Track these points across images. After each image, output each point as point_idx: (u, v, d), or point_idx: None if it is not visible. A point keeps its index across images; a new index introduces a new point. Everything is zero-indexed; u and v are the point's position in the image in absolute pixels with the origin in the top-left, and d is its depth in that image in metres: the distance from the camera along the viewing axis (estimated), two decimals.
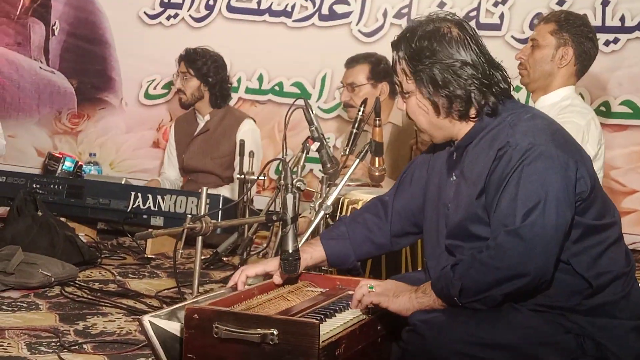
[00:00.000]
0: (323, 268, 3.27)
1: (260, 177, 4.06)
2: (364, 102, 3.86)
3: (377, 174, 3.77)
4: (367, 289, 2.55)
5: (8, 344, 3.08)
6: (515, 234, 2.34)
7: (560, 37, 3.76)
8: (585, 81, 4.74)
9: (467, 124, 2.59)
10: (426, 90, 2.55)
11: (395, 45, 2.62)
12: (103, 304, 3.71)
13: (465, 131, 2.60)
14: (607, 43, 5.19)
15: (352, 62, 5.04)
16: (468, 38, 2.55)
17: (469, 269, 2.39)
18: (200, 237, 3.34)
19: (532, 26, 5.27)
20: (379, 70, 4.95)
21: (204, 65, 5.49)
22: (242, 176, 4.50)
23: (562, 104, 3.74)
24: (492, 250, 2.37)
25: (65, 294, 3.83)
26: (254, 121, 5.59)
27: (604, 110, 5.17)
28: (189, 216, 3.18)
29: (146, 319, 2.39)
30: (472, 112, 2.56)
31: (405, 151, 4.80)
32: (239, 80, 6.19)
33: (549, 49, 3.77)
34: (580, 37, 3.76)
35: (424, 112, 2.59)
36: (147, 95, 6.52)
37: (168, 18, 6.49)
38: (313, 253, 2.91)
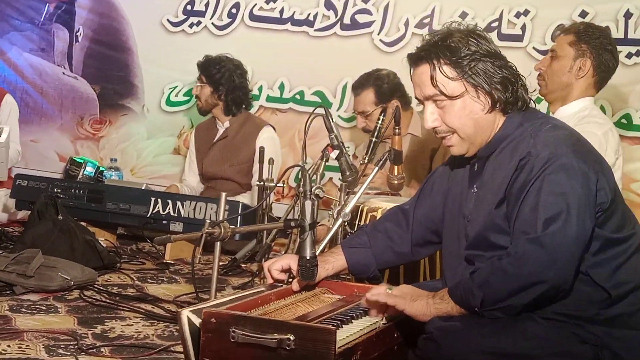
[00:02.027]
0: (342, 276, 3.27)
1: (279, 185, 4.06)
2: (384, 110, 3.86)
3: (396, 182, 3.77)
4: (386, 289, 2.55)
5: (27, 346, 3.09)
6: (537, 242, 2.34)
7: (578, 48, 3.75)
8: (607, 93, 4.72)
9: (502, 119, 2.60)
10: (483, 82, 2.54)
11: (428, 55, 2.58)
12: (121, 308, 3.73)
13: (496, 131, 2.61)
14: (629, 55, 5.16)
15: (357, 89, 5.01)
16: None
17: (489, 277, 2.39)
18: (218, 243, 3.35)
19: (554, 37, 5.26)
20: (384, 91, 4.90)
21: (217, 73, 5.52)
22: (262, 183, 4.51)
23: (580, 115, 3.73)
24: (512, 257, 2.37)
25: (84, 297, 3.85)
26: (274, 129, 5.60)
27: (625, 123, 5.14)
28: (208, 222, 3.19)
29: (185, 312, 2.40)
30: (520, 97, 2.58)
31: (424, 161, 4.81)
32: (260, 89, 6.21)
33: (566, 60, 3.77)
34: (599, 49, 3.75)
35: (477, 109, 2.57)
36: (169, 102, 6.55)
37: (191, 26, 6.51)
38: (335, 262, 2.92)
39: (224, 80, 5.51)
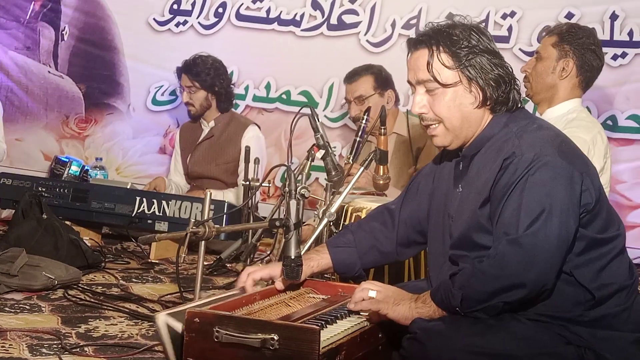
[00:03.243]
0: (326, 275, 3.27)
1: (264, 184, 4.06)
2: (367, 110, 3.86)
3: (381, 182, 3.77)
4: (368, 294, 2.55)
5: (10, 345, 3.08)
6: (516, 243, 2.34)
7: (561, 49, 3.78)
8: (592, 95, 4.75)
9: (490, 117, 2.60)
10: (477, 75, 2.55)
11: (428, 41, 2.59)
12: (105, 307, 3.71)
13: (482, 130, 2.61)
14: (614, 57, 5.18)
15: (354, 76, 5.04)
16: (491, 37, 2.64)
17: (470, 279, 2.39)
18: (203, 242, 3.34)
19: (539, 39, 5.28)
20: (383, 78, 4.97)
21: (208, 75, 5.50)
22: (247, 182, 4.50)
23: (568, 117, 3.74)
24: (492, 259, 2.37)
25: (68, 296, 3.83)
26: (259, 127, 5.60)
27: (610, 125, 5.17)
28: (192, 221, 3.18)
29: (161, 316, 2.39)
30: (511, 98, 2.59)
31: (409, 161, 4.81)
32: (246, 88, 6.21)
33: (550, 61, 3.79)
34: (582, 49, 3.77)
35: (467, 102, 2.57)
36: (155, 102, 6.54)
37: (177, 25, 6.51)
38: (320, 260, 2.92)
39: (217, 82, 5.52)
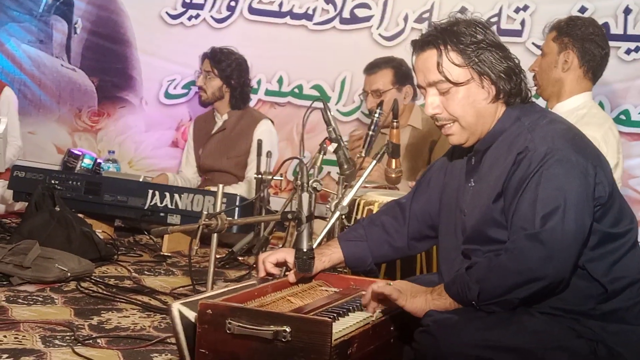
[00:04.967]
0: (338, 269, 3.28)
1: (276, 177, 4.06)
2: (381, 104, 3.85)
3: (393, 175, 3.77)
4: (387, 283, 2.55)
5: (23, 336, 3.09)
6: (535, 239, 2.34)
7: (560, 42, 3.77)
8: (605, 89, 4.73)
9: (503, 110, 2.59)
10: (487, 69, 2.53)
11: (435, 41, 2.56)
12: (118, 299, 3.73)
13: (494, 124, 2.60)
14: (628, 51, 5.16)
15: (373, 68, 4.99)
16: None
17: (487, 272, 2.39)
18: (215, 235, 3.35)
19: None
20: (402, 73, 4.92)
21: (228, 67, 5.49)
22: (260, 176, 4.50)
23: (579, 113, 3.72)
24: (510, 253, 2.37)
25: (81, 289, 3.85)
26: (272, 122, 5.59)
27: (623, 119, 5.14)
28: (205, 213, 3.18)
29: (176, 306, 2.40)
30: (523, 89, 2.58)
31: (424, 154, 4.80)
32: (258, 82, 6.21)
33: (551, 56, 3.79)
34: (581, 39, 3.75)
35: (481, 98, 2.55)
36: (167, 95, 6.55)
37: (189, 18, 6.51)
38: (332, 255, 2.92)
39: (235, 76, 5.50)
